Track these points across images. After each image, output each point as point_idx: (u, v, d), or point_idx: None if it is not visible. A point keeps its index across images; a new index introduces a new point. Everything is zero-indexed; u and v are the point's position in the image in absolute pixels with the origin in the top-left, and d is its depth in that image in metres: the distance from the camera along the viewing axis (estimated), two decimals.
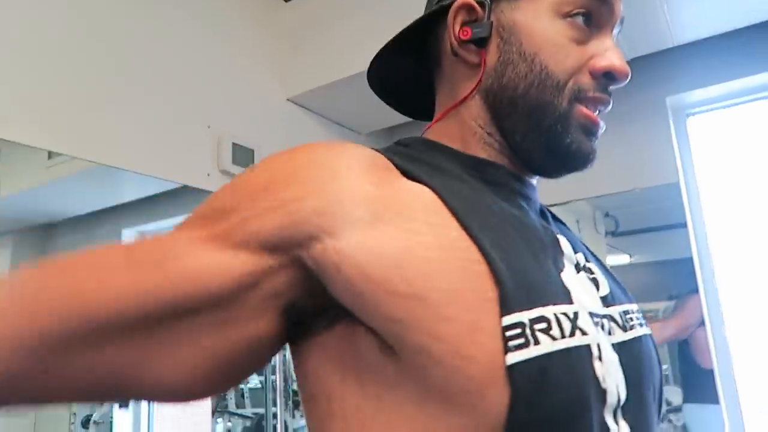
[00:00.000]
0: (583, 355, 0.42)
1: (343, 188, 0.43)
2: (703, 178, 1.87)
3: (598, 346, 0.44)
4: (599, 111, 0.53)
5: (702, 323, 1.80)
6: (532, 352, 0.39)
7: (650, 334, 0.55)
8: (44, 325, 0.38)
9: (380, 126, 2.21)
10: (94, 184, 1.54)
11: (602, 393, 0.43)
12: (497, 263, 0.42)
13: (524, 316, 0.40)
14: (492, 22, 0.53)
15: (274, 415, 1.95)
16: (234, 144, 1.55)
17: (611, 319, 0.50)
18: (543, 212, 0.58)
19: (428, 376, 0.40)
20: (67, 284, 0.40)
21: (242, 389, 2.17)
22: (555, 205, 1.85)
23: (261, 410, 2.02)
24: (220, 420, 2.09)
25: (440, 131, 0.57)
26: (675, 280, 1.94)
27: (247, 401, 2.13)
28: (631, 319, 0.53)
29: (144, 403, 1.92)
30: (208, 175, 1.51)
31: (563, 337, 0.41)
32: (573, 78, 0.51)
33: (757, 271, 1.78)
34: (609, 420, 0.44)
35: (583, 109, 0.52)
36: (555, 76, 0.51)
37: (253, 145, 1.65)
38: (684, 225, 1.80)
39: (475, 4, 0.53)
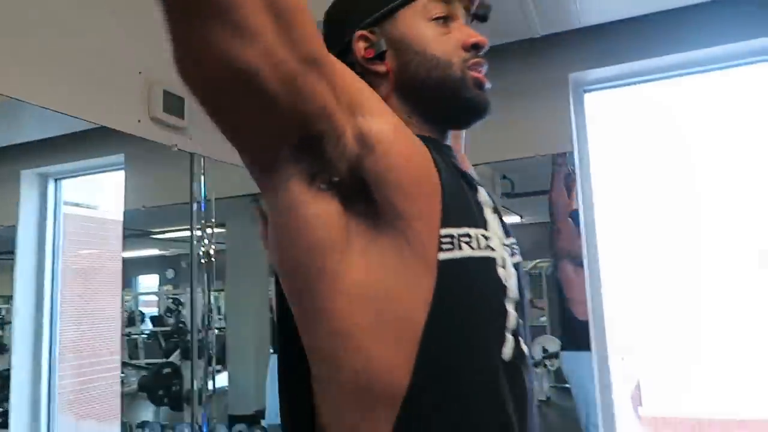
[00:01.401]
0: (490, 262, 0.65)
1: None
2: (594, 148, 2.08)
3: (503, 259, 0.67)
4: (482, 71, 0.74)
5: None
6: (456, 253, 0.61)
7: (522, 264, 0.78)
8: None
9: None
10: None
11: (504, 289, 0.66)
12: (446, 197, 0.63)
13: (454, 231, 0.62)
14: (383, 39, 0.72)
15: (170, 364, 2.04)
16: (165, 92, 1.55)
17: (510, 246, 0.72)
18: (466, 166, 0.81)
19: (399, 234, 0.60)
20: None
21: (135, 340, 2.26)
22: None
23: (156, 360, 2.12)
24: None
25: None
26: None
27: (141, 352, 2.22)
28: (515, 250, 0.74)
29: (45, 357, 1.94)
30: (139, 121, 1.51)
31: (479, 249, 0.63)
32: (455, 55, 0.72)
33: (634, 239, 2.03)
34: (509, 308, 0.66)
35: (473, 72, 0.72)
36: (443, 58, 0.71)
37: (183, 93, 1.64)
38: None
39: (367, 33, 0.73)
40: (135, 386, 2.11)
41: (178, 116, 1.59)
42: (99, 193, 2.35)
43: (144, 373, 2.11)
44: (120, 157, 1.88)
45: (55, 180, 2.01)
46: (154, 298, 2.30)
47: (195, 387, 1.83)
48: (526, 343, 0.68)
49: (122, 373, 2.11)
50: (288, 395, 0.69)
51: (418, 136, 0.68)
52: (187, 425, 1.88)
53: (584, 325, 1.99)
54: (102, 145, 1.51)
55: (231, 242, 2.06)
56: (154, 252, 2.24)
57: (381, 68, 0.73)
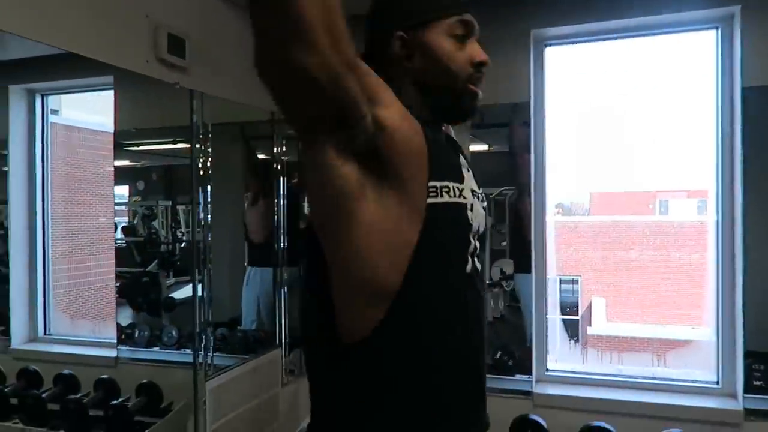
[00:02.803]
0: (462, 206, 0.92)
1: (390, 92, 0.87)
2: (550, 96, 2.30)
3: (471, 205, 0.94)
4: (480, 85, 0.98)
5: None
6: (437, 199, 0.88)
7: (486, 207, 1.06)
8: None
9: None
10: None
11: (470, 226, 0.93)
12: (432, 157, 0.88)
13: (437, 183, 0.88)
14: (414, 42, 0.95)
15: (148, 273, 2.13)
16: (169, 34, 1.66)
17: (479, 197, 0.99)
18: (452, 139, 1.08)
19: (400, 187, 0.85)
20: None
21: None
22: None
23: (131, 269, 2.17)
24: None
25: (404, 101, 0.94)
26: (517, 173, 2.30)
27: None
28: (482, 198, 1.01)
29: (40, 259, 2.08)
30: (147, 62, 1.62)
31: (455, 197, 0.90)
32: (463, 69, 0.95)
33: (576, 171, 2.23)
34: (472, 239, 0.94)
35: (471, 86, 0.97)
36: (453, 70, 0.95)
37: (185, 35, 1.76)
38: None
39: (404, 34, 0.95)
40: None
41: (180, 56, 1.72)
42: (87, 107, 2.43)
43: (122, 280, 2.14)
44: (109, 78, 1.99)
45: (42, 95, 2.13)
46: (124, 208, 2.29)
47: (202, 294, 1.98)
48: (480, 262, 0.98)
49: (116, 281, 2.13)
50: (313, 298, 0.94)
51: (422, 118, 0.92)
52: (173, 328, 2.03)
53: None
54: (91, 66, 1.61)
55: (214, 163, 2.08)
56: (125, 163, 2.22)
57: (408, 64, 0.96)
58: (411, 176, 0.86)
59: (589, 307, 11.16)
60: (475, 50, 0.96)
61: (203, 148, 1.99)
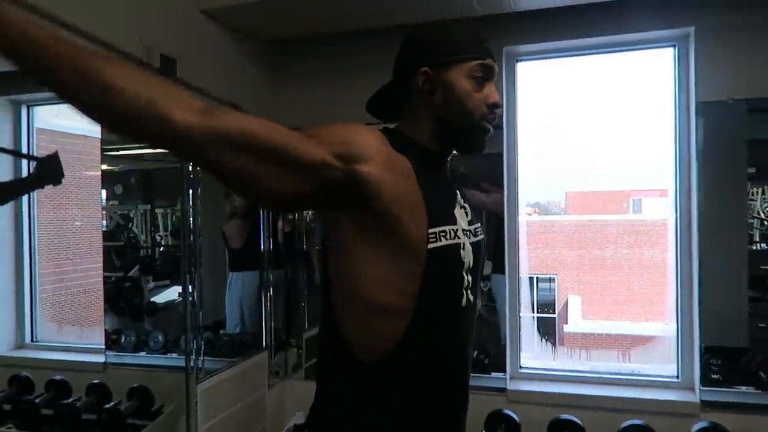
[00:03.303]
0: (457, 247, 1.01)
1: (371, 144, 0.94)
2: (521, 107, 2.42)
3: (464, 244, 1.03)
4: (492, 123, 1.06)
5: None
6: (437, 244, 0.97)
7: (484, 239, 1.15)
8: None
9: (279, 37, 2.43)
10: None
11: (463, 263, 1.03)
12: (429, 206, 0.97)
13: (436, 229, 0.97)
14: (437, 78, 1.03)
15: (130, 278, 2.15)
16: (161, 55, 1.76)
17: (471, 232, 1.08)
18: (453, 173, 1.16)
19: (399, 244, 0.95)
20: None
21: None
22: None
23: (111, 273, 2.17)
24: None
25: (410, 130, 1.08)
26: (491, 170, 2.41)
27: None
28: (477, 232, 1.11)
29: (26, 265, 2.13)
30: None
31: (450, 239, 0.99)
32: (478, 109, 1.03)
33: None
34: (465, 275, 1.04)
35: (484, 123, 1.05)
36: (470, 109, 1.03)
37: (176, 56, 1.86)
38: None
39: (429, 70, 1.03)
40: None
41: (172, 75, 1.80)
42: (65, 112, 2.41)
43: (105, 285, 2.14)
44: None
45: (28, 106, 2.11)
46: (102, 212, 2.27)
47: (192, 298, 2.01)
48: (474, 294, 1.08)
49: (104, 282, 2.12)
50: (327, 320, 1.05)
51: (430, 150, 1.06)
52: (159, 333, 2.09)
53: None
54: None
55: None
56: (102, 167, 2.19)
57: (429, 98, 1.05)
58: (411, 225, 0.95)
59: (566, 305, 11.38)
60: (491, 92, 1.04)
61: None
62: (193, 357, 1.97)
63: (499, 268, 2.39)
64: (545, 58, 2.38)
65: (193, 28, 2.06)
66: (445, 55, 1.03)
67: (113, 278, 2.16)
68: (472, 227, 1.09)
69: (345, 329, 1.00)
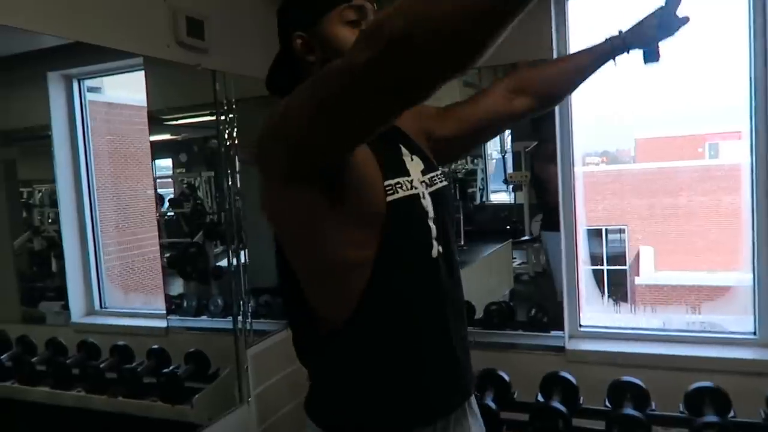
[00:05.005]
0: (415, 197, 0.99)
1: None
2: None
3: (422, 193, 1.01)
4: None
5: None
6: (395, 196, 0.95)
7: (448, 186, 1.11)
8: None
9: None
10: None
11: (426, 213, 1.00)
12: (379, 160, 0.96)
13: (392, 182, 0.95)
14: (314, 38, 0.99)
15: (195, 244, 2.21)
16: (187, 17, 1.70)
17: (426, 182, 1.04)
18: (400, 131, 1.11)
19: (361, 206, 0.92)
20: None
21: (158, 221, 2.31)
22: None
23: (180, 240, 2.28)
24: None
25: None
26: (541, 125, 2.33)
27: (164, 233, 2.30)
28: (434, 180, 1.07)
29: (90, 235, 2.20)
30: (168, 46, 1.68)
31: (407, 190, 0.97)
32: None
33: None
34: (430, 224, 1.00)
35: None
36: None
37: (203, 17, 1.79)
38: None
39: (302, 33, 1.00)
40: (164, 263, 2.25)
41: (200, 38, 1.76)
42: (122, 83, 2.50)
43: (171, 251, 2.27)
44: (139, 60, 2.06)
45: (79, 80, 2.22)
46: (170, 180, 2.39)
47: (242, 261, 2.08)
48: (445, 244, 1.04)
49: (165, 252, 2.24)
50: (286, 288, 1.03)
51: None
52: (219, 297, 2.14)
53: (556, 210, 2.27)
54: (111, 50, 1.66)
55: (241, 136, 2.13)
56: (166, 137, 2.31)
57: (311, 58, 1.01)
58: (370, 180, 0.93)
59: (637, 256, 10.98)
60: None
61: (227, 121, 2.04)
62: (241, 320, 1.99)
63: (548, 225, 2.30)
64: None
65: None
66: (310, 12, 1.00)
67: (180, 244, 2.24)
68: (427, 177, 1.05)
69: (309, 297, 0.98)
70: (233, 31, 1.98)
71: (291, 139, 0.82)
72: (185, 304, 2.21)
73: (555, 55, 2.15)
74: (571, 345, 2.23)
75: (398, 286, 0.97)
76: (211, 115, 2.07)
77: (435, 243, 1.01)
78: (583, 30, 2.24)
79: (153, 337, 2.18)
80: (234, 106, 2.06)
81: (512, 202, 2.63)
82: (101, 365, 2.05)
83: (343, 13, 0.98)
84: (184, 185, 2.28)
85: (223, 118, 2.03)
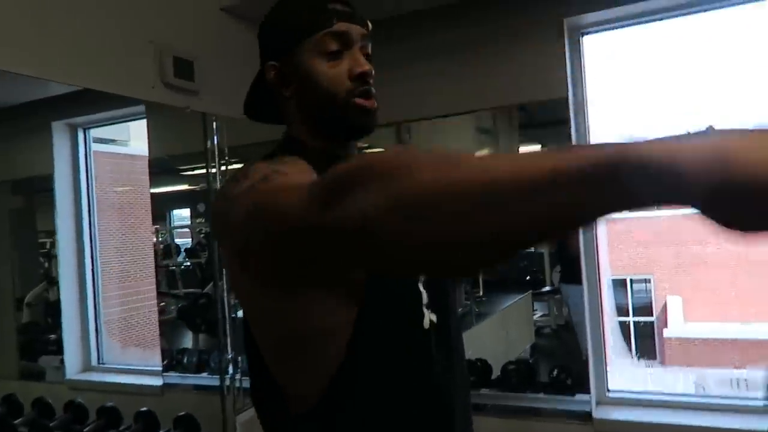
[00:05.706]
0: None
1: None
2: (590, 90, 2.09)
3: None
4: (368, 98, 0.85)
5: None
6: None
7: None
8: None
9: None
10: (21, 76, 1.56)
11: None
12: None
13: None
14: (289, 68, 0.86)
15: (205, 294, 2.13)
16: (174, 57, 1.63)
17: None
18: None
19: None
20: None
21: (174, 271, 2.34)
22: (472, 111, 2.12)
23: (194, 290, 2.22)
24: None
25: (295, 131, 0.91)
26: None
27: (179, 283, 2.31)
28: None
29: (90, 287, 2.13)
30: (153, 87, 1.59)
31: None
32: (339, 85, 0.84)
33: None
34: (420, 288, 0.84)
35: (357, 100, 0.84)
36: (329, 90, 0.84)
37: (192, 57, 1.71)
38: None
39: (276, 63, 0.87)
40: (174, 314, 2.23)
41: (188, 80, 1.67)
42: (127, 133, 2.49)
43: (183, 302, 2.22)
44: (141, 108, 2.00)
45: (84, 129, 2.16)
46: (188, 230, 2.38)
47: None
48: (440, 311, 0.87)
49: (162, 302, 2.24)
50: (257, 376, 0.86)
51: (317, 148, 0.87)
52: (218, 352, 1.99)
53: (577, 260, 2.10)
54: (124, 97, 1.62)
55: None
56: (184, 187, 2.30)
57: (286, 92, 0.88)
58: None
59: (664, 307, 10.57)
60: (354, 62, 0.85)
61: (220, 170, 1.96)
62: (228, 378, 1.84)
63: (568, 277, 2.16)
64: (616, 28, 2.04)
65: (211, 27, 1.90)
66: (284, 40, 0.87)
67: (192, 295, 2.21)
68: None
69: (276, 373, 0.81)
70: (224, 72, 1.88)
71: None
72: (185, 359, 2.11)
73: (570, 95, 2.02)
74: (599, 413, 2.00)
75: (377, 358, 0.80)
76: (202, 167, 2.00)
77: (426, 311, 0.85)
78: (599, 66, 2.12)
79: (147, 397, 2.08)
80: (225, 153, 1.97)
81: (532, 250, 2.49)
82: (85, 430, 1.94)
83: (322, 41, 0.84)
84: (201, 235, 2.26)
85: (213, 170, 1.95)
